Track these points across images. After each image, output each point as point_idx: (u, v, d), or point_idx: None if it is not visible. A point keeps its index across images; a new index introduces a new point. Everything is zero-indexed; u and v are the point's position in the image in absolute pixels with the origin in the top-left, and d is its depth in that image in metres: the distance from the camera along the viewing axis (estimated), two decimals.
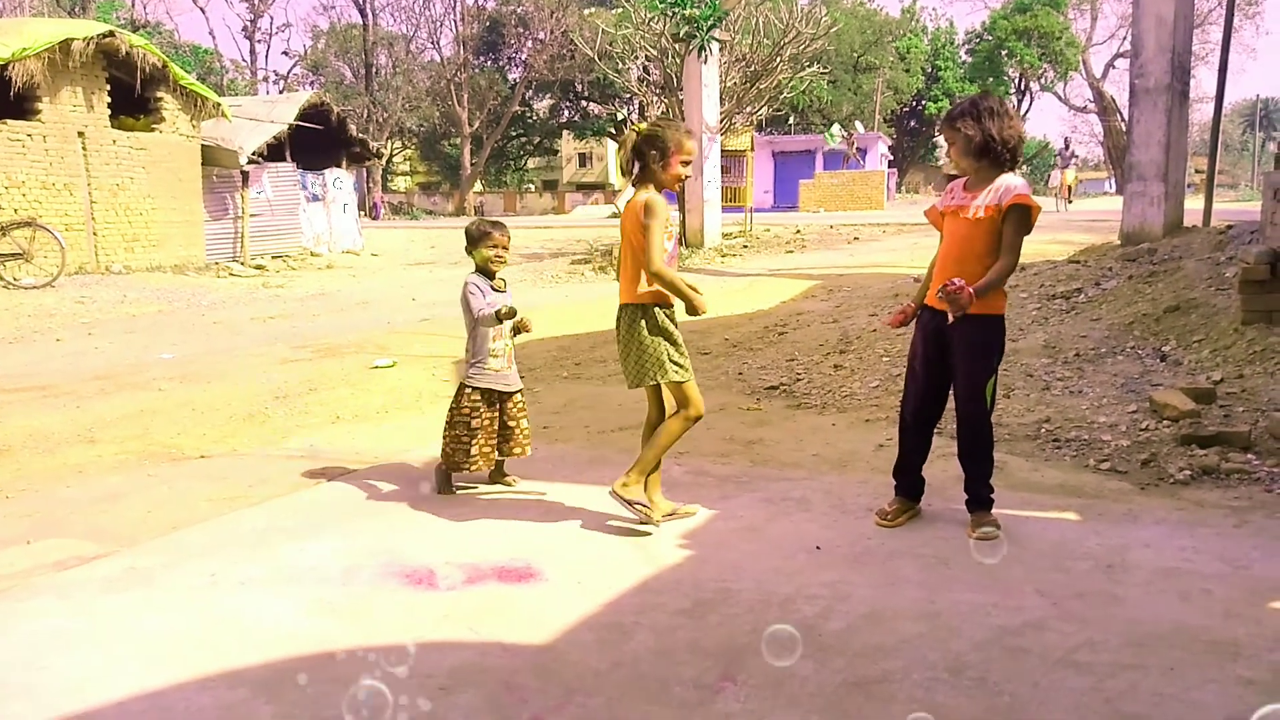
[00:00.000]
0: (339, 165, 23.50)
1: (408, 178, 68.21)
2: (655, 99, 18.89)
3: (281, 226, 20.71)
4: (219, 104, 18.73)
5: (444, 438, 4.49)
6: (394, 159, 60.97)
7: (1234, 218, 12.50)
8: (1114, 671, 2.66)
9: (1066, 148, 28.42)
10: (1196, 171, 27.91)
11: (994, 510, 3.81)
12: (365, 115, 47.96)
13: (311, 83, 53.77)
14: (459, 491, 4.53)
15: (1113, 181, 47.47)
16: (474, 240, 4.50)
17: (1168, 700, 2.51)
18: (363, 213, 34.70)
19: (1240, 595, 3.12)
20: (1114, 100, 46.34)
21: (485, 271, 4.51)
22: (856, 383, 6.44)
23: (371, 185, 46.73)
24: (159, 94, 17.62)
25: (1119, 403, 5.35)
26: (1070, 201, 27.22)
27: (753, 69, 18.49)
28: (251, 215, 19.58)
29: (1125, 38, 39.43)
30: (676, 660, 2.81)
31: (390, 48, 53.49)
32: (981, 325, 3.66)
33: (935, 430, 4.02)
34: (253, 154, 19.43)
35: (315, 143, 21.96)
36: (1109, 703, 2.51)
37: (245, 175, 19.39)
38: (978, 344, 3.69)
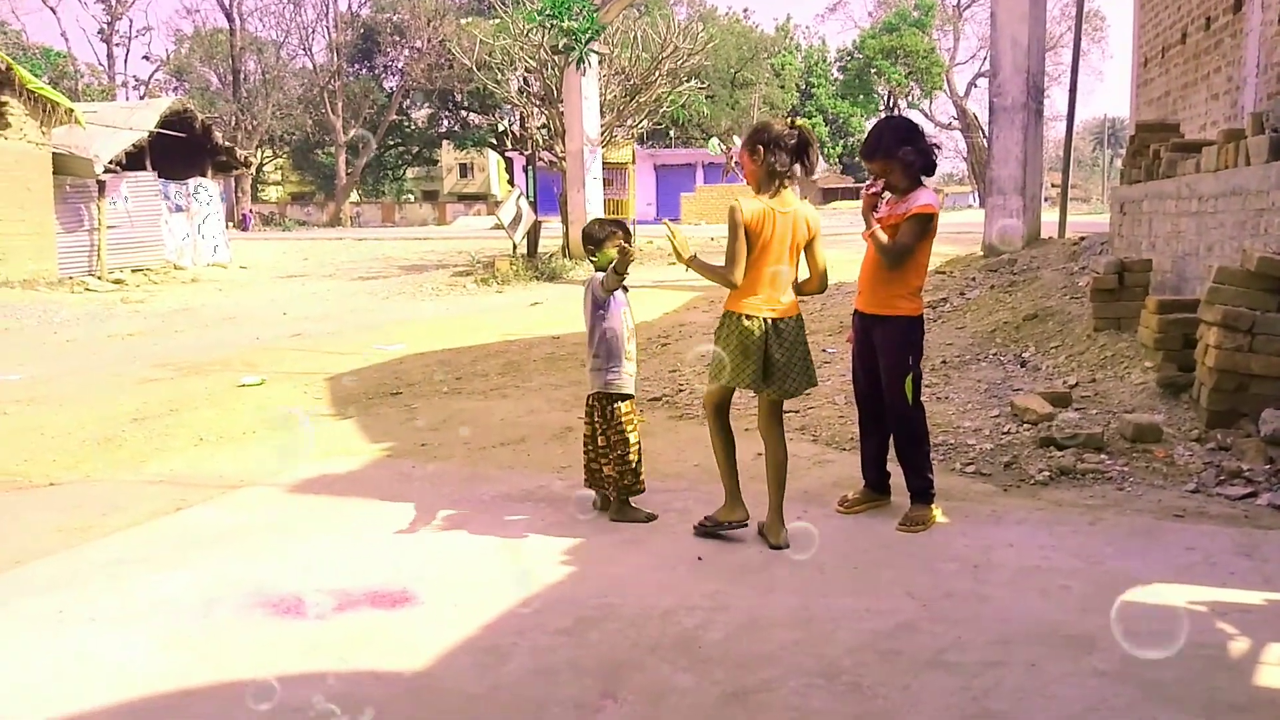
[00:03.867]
0: (204, 174, 22.52)
1: (279, 188, 66.02)
2: (536, 110, 18.82)
3: (142, 238, 19.70)
4: (71, 110, 17.71)
5: (608, 465, 4.14)
6: (264, 168, 58.92)
7: (1087, 229, 13.26)
8: (980, 670, 2.74)
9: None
10: (1052, 186, 29.23)
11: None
12: (233, 123, 46.25)
13: (175, 89, 51.52)
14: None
15: (976, 195, 49.76)
16: (599, 241, 4.17)
17: (1030, 696, 2.60)
18: (231, 224, 33.43)
19: (1095, 590, 3.27)
20: (976, 118, 48.59)
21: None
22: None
23: (240, 195, 45.08)
24: (3, 99, 16.53)
25: (983, 408, 5.57)
26: None
27: (632, 82, 18.64)
28: (109, 227, 18.56)
29: (986, 58, 41.45)
30: (556, 680, 2.77)
31: (260, 54, 51.69)
32: (895, 326, 3.96)
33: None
34: (110, 163, 18.42)
35: (179, 151, 21.00)
36: (976, 701, 2.58)
37: (101, 185, 18.36)
38: (892, 344, 3.97)
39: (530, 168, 19.05)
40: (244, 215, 43.67)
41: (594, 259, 4.22)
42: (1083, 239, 10.75)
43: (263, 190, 61.40)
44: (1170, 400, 5.27)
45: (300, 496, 4.67)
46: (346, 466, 5.19)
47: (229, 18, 49.81)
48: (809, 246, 3.86)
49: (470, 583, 3.51)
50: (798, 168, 3.81)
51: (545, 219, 19.00)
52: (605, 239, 4.17)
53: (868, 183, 4.05)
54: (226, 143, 23.99)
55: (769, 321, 3.76)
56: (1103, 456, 4.65)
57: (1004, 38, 11.91)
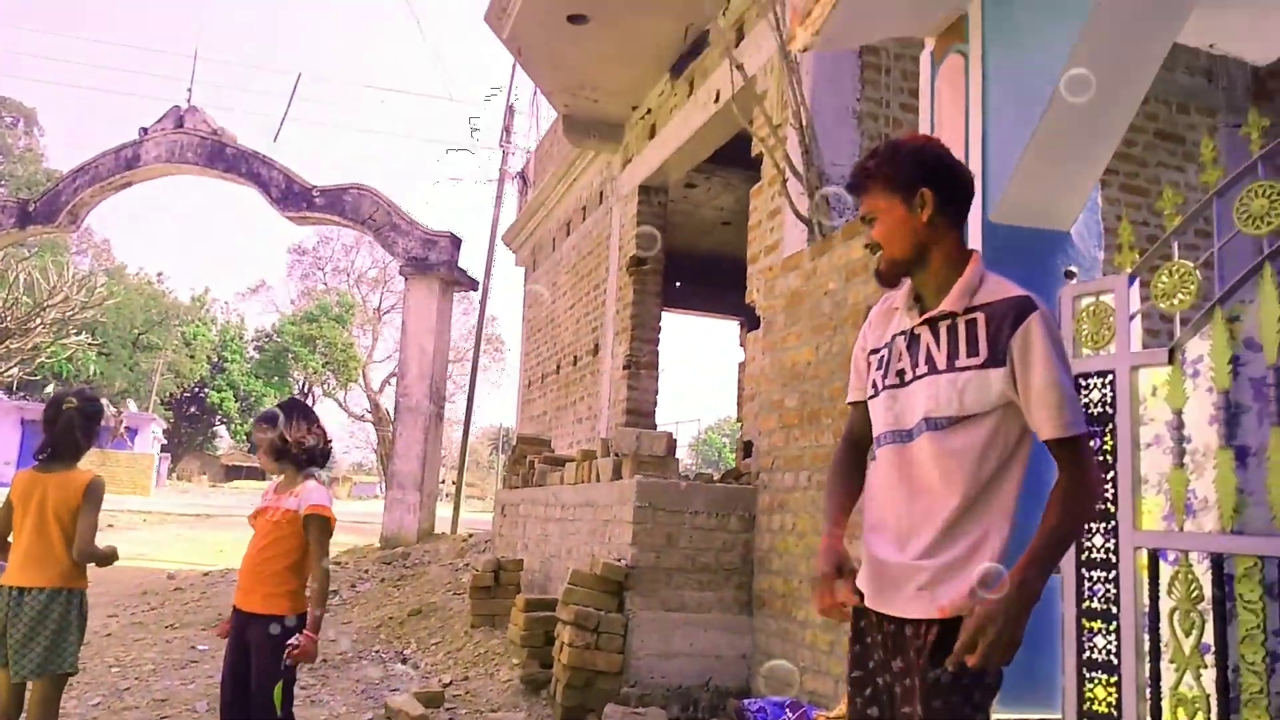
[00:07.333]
0: None
1: None
2: None
3: None
4: None
5: None
6: None
7: (481, 526, 14.20)
8: None
9: None
10: (451, 483, 31.23)
11: None
12: None
13: None
14: None
15: (383, 486, 51.12)
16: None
17: None
18: None
19: None
20: (388, 413, 50.92)
21: None
22: (73, 701, 5.46)
23: None
24: None
25: (359, 710, 5.36)
26: None
27: (4, 325, 16.37)
28: None
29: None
30: None
31: None
32: (273, 626, 3.56)
33: None
34: None
35: None
36: None
37: None
38: (267, 645, 3.54)
39: None
40: None
41: None
42: (470, 536, 11.46)
43: None
44: (532, 698, 5.57)
45: None
46: None
47: None
48: (75, 513, 3.69)
49: None
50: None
51: None
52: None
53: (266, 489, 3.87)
54: None
55: (12, 592, 3.55)
56: None
57: (413, 345, 12.90)
